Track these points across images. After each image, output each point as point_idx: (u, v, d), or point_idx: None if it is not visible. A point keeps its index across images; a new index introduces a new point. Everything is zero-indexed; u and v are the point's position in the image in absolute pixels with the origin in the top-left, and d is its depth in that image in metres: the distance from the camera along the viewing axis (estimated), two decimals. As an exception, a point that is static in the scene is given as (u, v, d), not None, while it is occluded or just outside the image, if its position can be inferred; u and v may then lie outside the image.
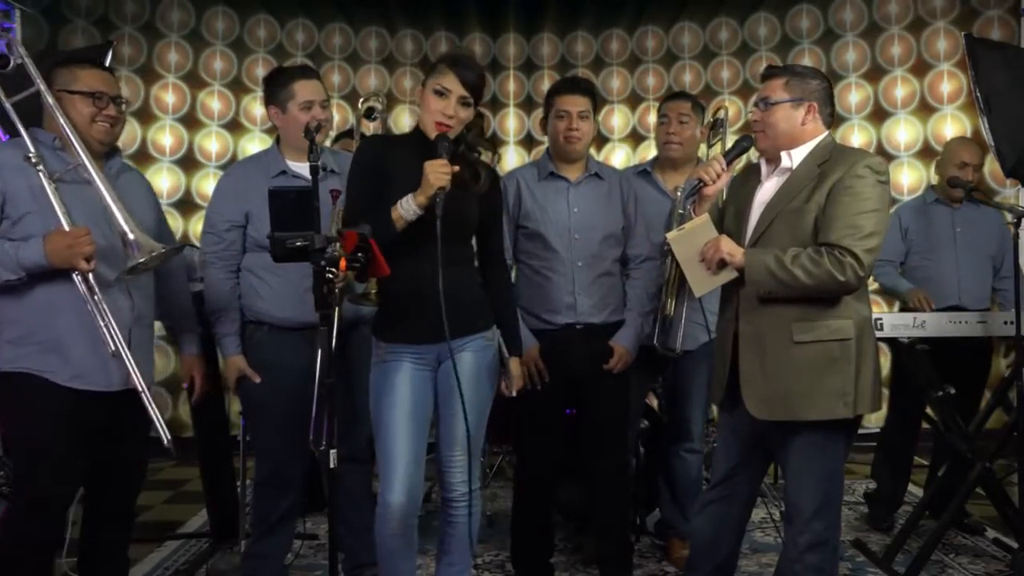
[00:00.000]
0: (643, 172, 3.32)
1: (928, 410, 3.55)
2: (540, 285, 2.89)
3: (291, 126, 2.71)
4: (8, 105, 2.25)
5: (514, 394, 2.45)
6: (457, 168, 2.23)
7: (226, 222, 2.74)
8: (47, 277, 2.19)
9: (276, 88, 2.75)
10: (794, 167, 2.34)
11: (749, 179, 2.49)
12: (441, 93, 2.28)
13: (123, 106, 2.40)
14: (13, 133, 2.30)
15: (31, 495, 2.25)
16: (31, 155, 2.16)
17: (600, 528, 3.10)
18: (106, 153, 2.40)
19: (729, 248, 2.31)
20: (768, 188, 2.39)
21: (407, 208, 2.21)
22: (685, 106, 3.28)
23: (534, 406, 2.82)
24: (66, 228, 2.15)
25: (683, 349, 3.03)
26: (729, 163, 2.45)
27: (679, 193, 3.16)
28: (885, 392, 3.93)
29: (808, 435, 2.28)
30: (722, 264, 2.32)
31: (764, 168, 2.44)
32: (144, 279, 2.39)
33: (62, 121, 2.21)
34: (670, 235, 2.43)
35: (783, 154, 2.35)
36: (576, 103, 2.90)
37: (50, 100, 2.23)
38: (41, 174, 2.16)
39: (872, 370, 2.30)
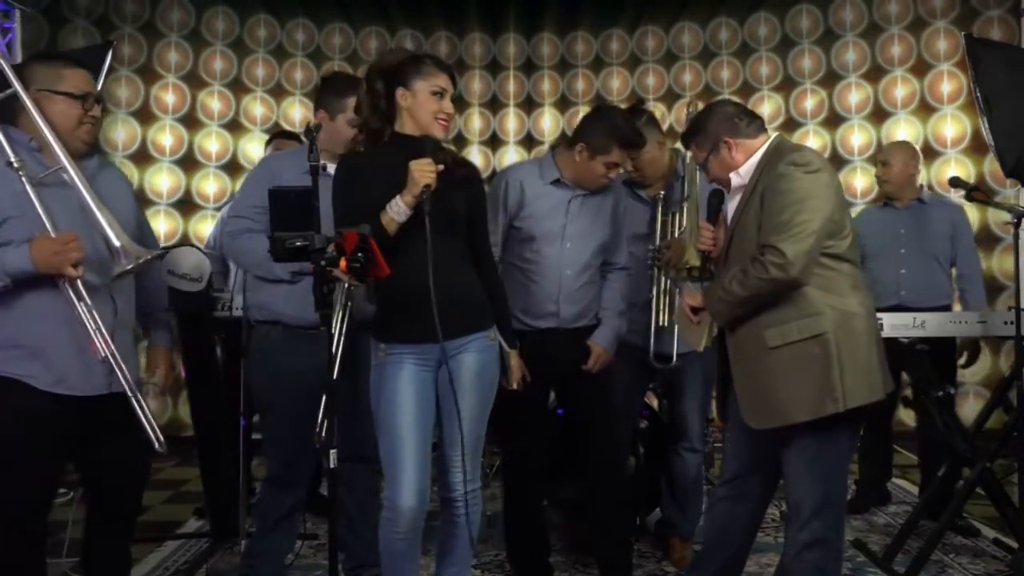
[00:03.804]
0: (625, 181, 3.27)
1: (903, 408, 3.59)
2: (525, 287, 2.88)
3: (334, 135, 2.69)
4: None
5: (514, 387, 2.45)
6: (442, 167, 2.24)
7: (253, 207, 2.68)
8: (31, 282, 2.12)
9: (331, 94, 2.73)
10: (746, 182, 2.39)
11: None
12: (440, 94, 2.31)
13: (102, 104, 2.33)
14: None
15: (10, 499, 2.19)
16: (13, 161, 2.09)
17: (597, 528, 3.10)
18: (83, 152, 2.31)
19: (691, 298, 2.47)
20: (731, 208, 2.46)
21: (397, 210, 2.21)
22: None
23: (517, 407, 2.81)
24: (52, 234, 2.09)
25: (684, 352, 3.07)
26: (714, 223, 2.51)
27: (659, 201, 3.15)
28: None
29: (805, 434, 2.29)
30: (697, 311, 2.45)
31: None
32: (126, 282, 2.33)
33: (42, 123, 2.12)
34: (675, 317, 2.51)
35: (732, 175, 2.42)
36: (629, 159, 2.92)
37: (28, 102, 2.13)
38: (24, 179, 2.09)
39: (863, 359, 2.27)
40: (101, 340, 2.16)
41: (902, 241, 3.83)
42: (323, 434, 2.36)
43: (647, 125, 3.17)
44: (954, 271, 3.88)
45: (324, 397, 2.11)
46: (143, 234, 2.43)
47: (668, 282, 3.11)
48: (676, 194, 3.12)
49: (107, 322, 2.21)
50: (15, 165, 2.08)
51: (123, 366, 2.21)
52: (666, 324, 3.11)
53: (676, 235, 3.08)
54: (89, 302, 2.15)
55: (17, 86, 2.14)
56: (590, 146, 2.84)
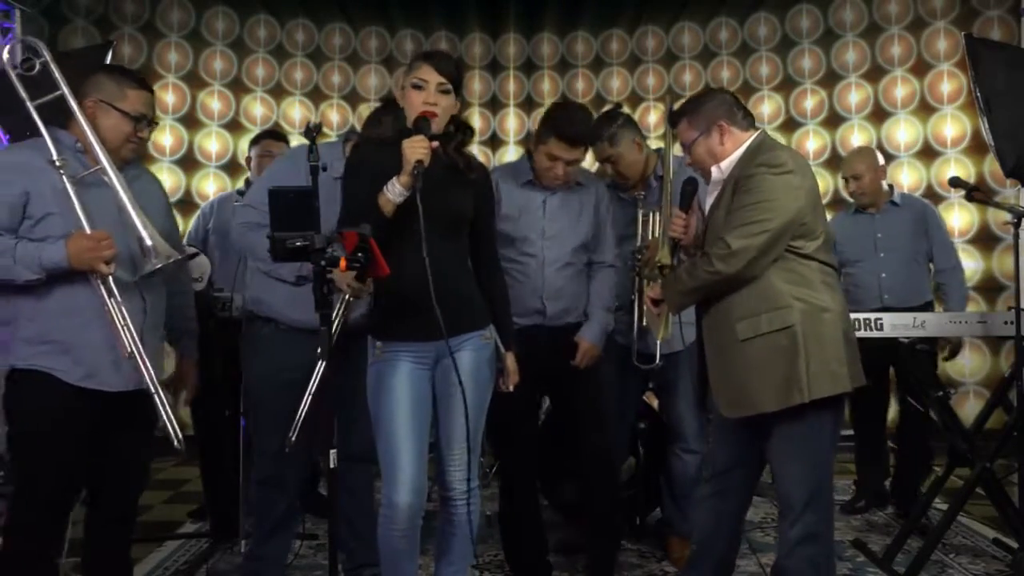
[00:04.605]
0: (608, 183, 3.27)
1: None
2: (509, 286, 2.88)
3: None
4: (32, 107, 2.27)
5: (511, 389, 2.46)
6: (436, 144, 2.25)
7: (265, 200, 2.68)
8: (64, 278, 2.21)
9: None
10: (725, 177, 2.41)
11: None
12: (419, 86, 2.32)
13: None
14: (33, 132, 2.30)
15: (35, 494, 2.26)
16: (56, 160, 2.19)
17: (590, 525, 3.10)
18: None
19: (652, 289, 2.54)
20: (708, 202, 2.49)
21: (393, 190, 2.23)
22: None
23: (507, 406, 2.80)
24: (88, 231, 2.18)
25: (668, 352, 3.10)
26: (686, 210, 2.53)
27: (639, 201, 3.16)
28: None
29: (786, 426, 2.30)
30: (657, 302, 2.52)
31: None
32: (157, 282, 2.40)
33: (88, 131, 2.24)
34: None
35: (713, 168, 2.45)
36: (571, 153, 2.89)
37: (75, 107, 2.25)
38: (65, 178, 2.19)
39: (830, 352, 2.28)
40: (128, 336, 2.23)
41: (880, 245, 3.88)
42: (294, 437, 2.41)
43: (623, 127, 3.19)
44: (932, 267, 3.91)
45: (304, 400, 2.11)
46: (172, 239, 2.48)
47: (647, 282, 3.12)
48: (655, 194, 3.13)
49: (137, 319, 2.29)
50: (57, 164, 2.19)
51: (148, 363, 2.26)
52: (648, 324, 3.11)
53: (655, 236, 3.08)
54: (120, 298, 2.22)
55: (65, 89, 2.26)
56: (536, 137, 2.93)
